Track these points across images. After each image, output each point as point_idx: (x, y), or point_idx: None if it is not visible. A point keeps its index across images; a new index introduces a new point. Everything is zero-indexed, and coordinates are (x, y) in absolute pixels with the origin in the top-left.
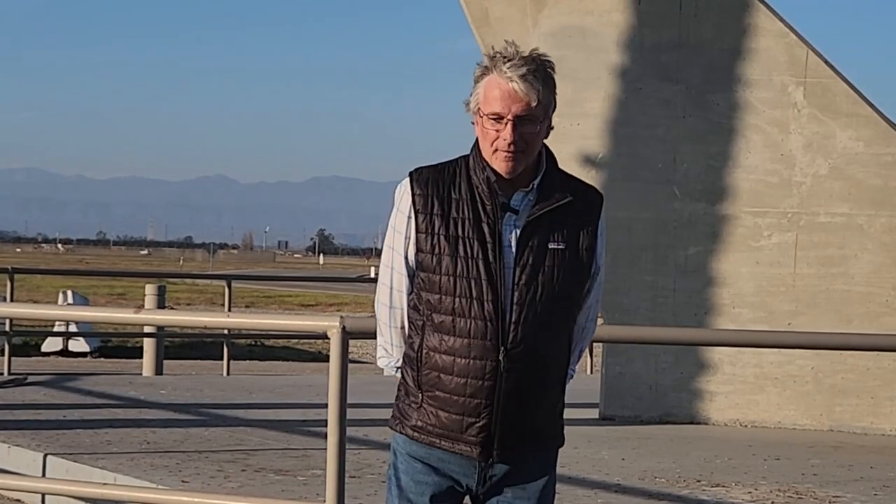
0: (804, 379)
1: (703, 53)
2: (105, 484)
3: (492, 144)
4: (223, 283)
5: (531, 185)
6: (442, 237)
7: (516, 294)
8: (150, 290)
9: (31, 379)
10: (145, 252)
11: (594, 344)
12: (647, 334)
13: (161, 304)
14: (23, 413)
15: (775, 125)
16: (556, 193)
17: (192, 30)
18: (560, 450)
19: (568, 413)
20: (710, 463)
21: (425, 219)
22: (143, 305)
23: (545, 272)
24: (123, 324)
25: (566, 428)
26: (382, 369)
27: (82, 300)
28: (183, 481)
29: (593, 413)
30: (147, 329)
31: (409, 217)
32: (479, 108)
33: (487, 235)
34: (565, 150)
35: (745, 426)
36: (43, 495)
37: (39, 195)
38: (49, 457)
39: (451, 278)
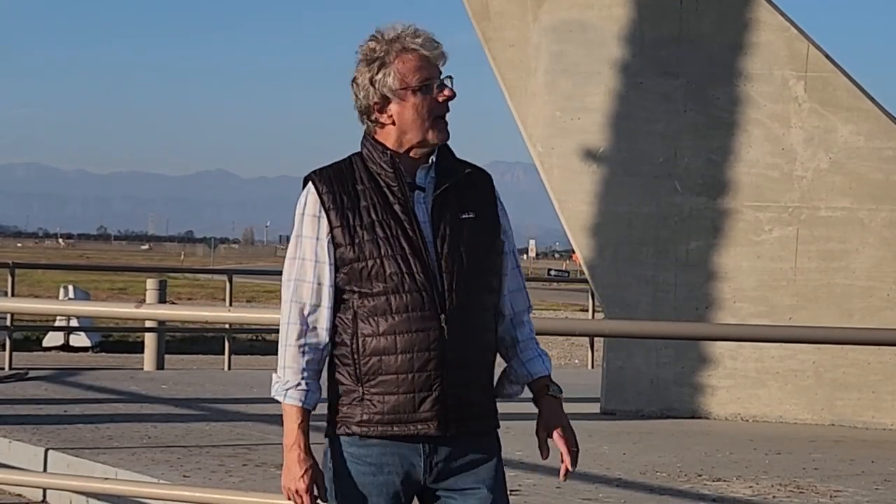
0: (805, 373)
1: (704, 48)
2: (106, 479)
3: (429, 114)
4: (224, 277)
5: (430, 161)
6: (358, 226)
7: (444, 264)
8: (151, 284)
9: (32, 374)
10: (146, 247)
11: (595, 338)
12: (648, 329)
13: (162, 299)
14: (24, 408)
15: (776, 119)
16: (455, 167)
17: (192, 25)
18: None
19: (569, 407)
20: (711, 457)
21: (337, 213)
22: (144, 300)
23: (464, 241)
24: (125, 318)
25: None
26: None
27: (83, 295)
28: (184, 476)
29: (594, 407)
30: (148, 324)
31: (319, 217)
32: (397, 87)
33: (401, 213)
34: (566, 145)
35: (747, 421)
36: (44, 490)
37: (40, 190)
38: (50, 451)
39: (378, 260)
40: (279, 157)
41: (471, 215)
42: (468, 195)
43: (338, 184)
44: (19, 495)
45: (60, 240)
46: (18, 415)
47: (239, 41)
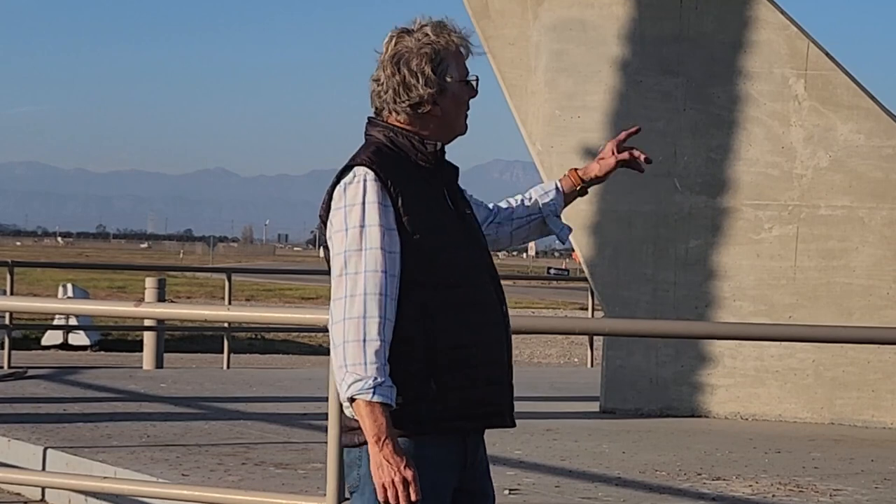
0: (805, 372)
1: (704, 46)
2: (105, 477)
3: (466, 107)
4: (223, 276)
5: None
6: (424, 215)
7: (485, 254)
8: (150, 283)
9: (31, 372)
10: (145, 245)
11: (595, 337)
12: (648, 327)
13: (161, 298)
14: (23, 406)
15: (776, 118)
16: (451, 165)
17: (191, 24)
18: (561, 443)
19: (569, 406)
20: (711, 456)
21: (404, 201)
22: (143, 299)
23: (481, 235)
24: (124, 317)
25: (567, 421)
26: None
27: (82, 293)
28: (183, 475)
29: (594, 406)
30: (147, 322)
31: (382, 204)
32: (457, 79)
33: (451, 205)
34: (566, 143)
35: (746, 419)
36: (43, 489)
37: (39, 189)
38: (49, 450)
39: (449, 251)
40: (278, 155)
41: (470, 210)
42: (460, 191)
43: (396, 171)
44: (18, 494)
45: (59, 238)
46: (17, 413)
47: (238, 40)
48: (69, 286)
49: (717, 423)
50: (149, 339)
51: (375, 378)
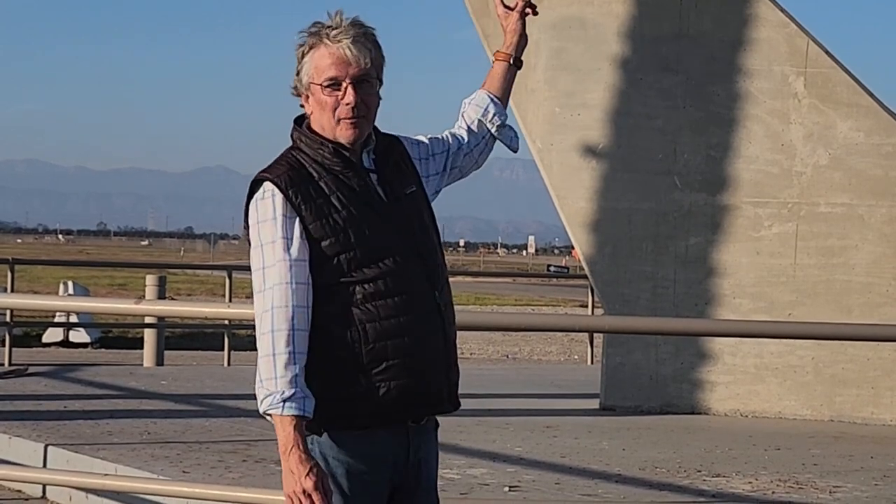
0: (804, 369)
1: (704, 44)
2: (106, 475)
3: (334, 114)
4: (224, 273)
5: (371, 143)
6: (333, 217)
7: (419, 240)
8: (150, 280)
9: (31, 370)
10: (146, 243)
11: (595, 334)
12: (648, 325)
13: (162, 295)
14: (24, 404)
15: (776, 115)
16: (387, 145)
17: (191, 22)
18: (561, 440)
19: (569, 403)
20: (711, 453)
21: (309, 208)
22: (143, 296)
23: (418, 215)
24: (124, 314)
25: (567, 418)
26: None
27: (83, 291)
28: (184, 472)
29: (594, 403)
30: (148, 320)
31: (286, 217)
32: (311, 82)
33: (368, 198)
34: (566, 141)
35: (746, 416)
36: (44, 486)
37: (40, 186)
38: (50, 447)
39: (365, 244)
40: (278, 153)
41: (412, 189)
42: (400, 169)
43: (296, 179)
44: (19, 491)
45: (60, 236)
46: (18, 411)
47: (237, 38)
48: (70, 283)
49: (717, 420)
50: (149, 336)
51: (283, 392)
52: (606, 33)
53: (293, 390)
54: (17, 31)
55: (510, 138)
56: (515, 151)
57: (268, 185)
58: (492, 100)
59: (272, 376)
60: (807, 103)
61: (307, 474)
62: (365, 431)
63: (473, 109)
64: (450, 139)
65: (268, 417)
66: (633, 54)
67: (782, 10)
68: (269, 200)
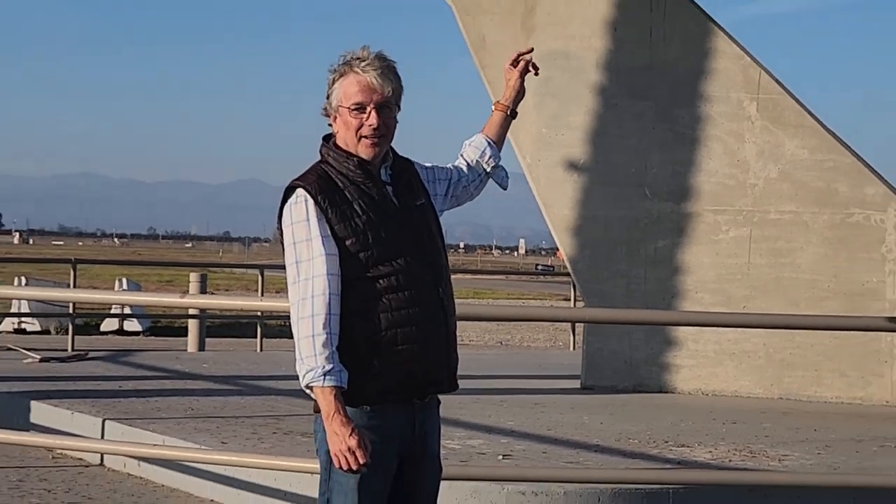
0: (757, 354)
1: (670, 74)
2: (155, 445)
3: (356, 133)
4: (257, 272)
5: (389, 159)
6: (355, 221)
7: (427, 244)
8: (193, 277)
9: (91, 354)
10: (189, 245)
11: (576, 324)
12: (622, 316)
13: (203, 290)
14: (84, 384)
15: (732, 135)
16: (402, 164)
17: (231, 48)
18: (547, 415)
19: (553, 384)
20: (676, 426)
21: (335, 212)
22: (187, 291)
23: (427, 224)
24: (171, 307)
25: (552, 396)
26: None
27: (135, 286)
28: (222, 442)
29: (575, 384)
30: (191, 311)
31: (318, 218)
32: (339, 105)
33: (385, 206)
34: (551, 157)
35: (707, 395)
36: (102, 455)
37: (97, 196)
38: (107, 421)
39: (382, 244)
40: (306, 166)
41: (421, 202)
42: (413, 185)
43: (324, 186)
44: (81, 459)
45: (115, 239)
46: (79, 390)
47: (273, 62)
48: (124, 280)
49: (682, 398)
50: (192, 325)
51: (324, 367)
52: (586, 65)
53: (331, 365)
54: (73, 55)
55: (501, 178)
56: (505, 189)
57: (300, 191)
58: (489, 143)
59: (312, 354)
60: (759, 125)
61: (350, 434)
62: (376, 407)
63: (472, 150)
64: (452, 171)
65: (308, 391)
66: (609, 83)
67: (737, 44)
68: (302, 204)
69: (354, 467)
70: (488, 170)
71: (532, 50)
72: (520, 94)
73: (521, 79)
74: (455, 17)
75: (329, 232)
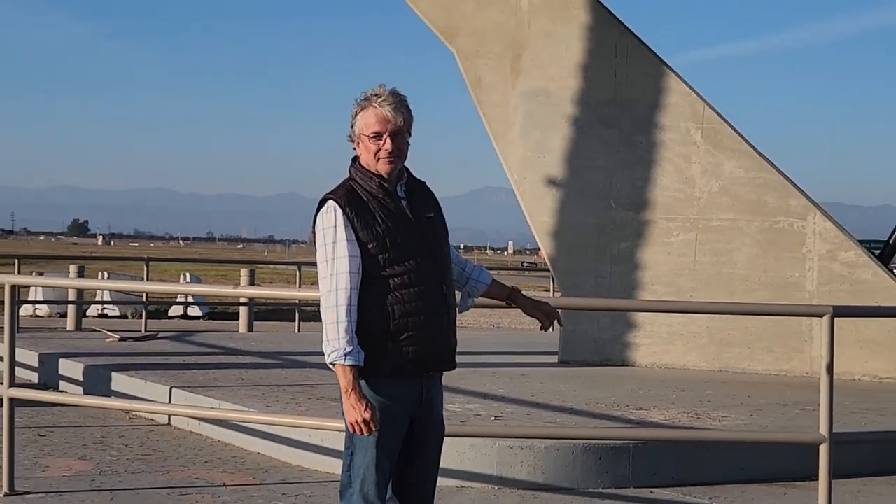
0: (701, 335)
1: (631, 107)
2: (212, 408)
3: (375, 155)
4: (295, 268)
5: (404, 178)
6: (376, 225)
7: (434, 250)
8: (244, 272)
9: (160, 335)
10: (241, 246)
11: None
12: (592, 304)
13: (251, 283)
14: (155, 358)
15: (681, 157)
16: (416, 184)
17: (266, 76)
18: (531, 384)
19: (536, 358)
20: (636, 393)
21: (359, 220)
22: (239, 283)
23: (436, 233)
24: (225, 296)
25: (535, 369)
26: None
27: (196, 279)
28: (267, 406)
29: (554, 359)
30: (242, 300)
31: (345, 226)
32: (361, 133)
33: (401, 217)
34: (535, 175)
35: (660, 368)
36: (169, 416)
37: (166, 206)
38: (173, 389)
39: (397, 248)
40: (336, 182)
41: (431, 214)
42: (425, 201)
43: (350, 200)
44: (152, 420)
45: (180, 241)
46: (151, 363)
47: (311, 102)
48: (187, 274)
49: (640, 370)
50: (243, 311)
51: (345, 349)
52: (563, 100)
53: (351, 347)
54: (149, 88)
55: (465, 306)
56: (461, 312)
57: (331, 202)
58: (488, 284)
59: (337, 337)
60: (703, 149)
61: (365, 408)
62: (390, 380)
63: (464, 275)
64: (454, 249)
65: (331, 367)
66: (581, 115)
67: (686, 83)
68: (332, 213)
69: (367, 434)
70: (465, 290)
71: (558, 314)
72: (531, 310)
73: (531, 315)
74: (456, 61)
75: (353, 237)
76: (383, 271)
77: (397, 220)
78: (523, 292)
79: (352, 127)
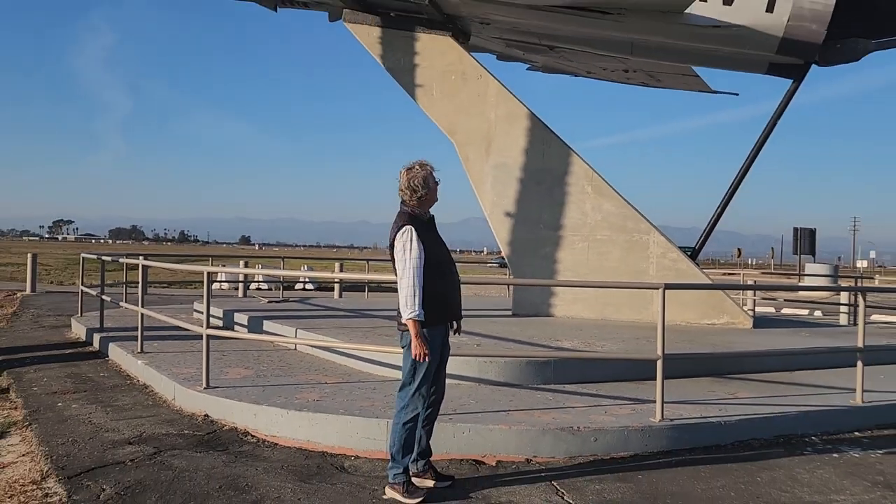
0: (592, 300)
1: (551, 170)
2: (320, 340)
3: (432, 200)
4: (365, 262)
5: (430, 215)
6: (428, 242)
7: (448, 252)
8: (336, 265)
9: (290, 299)
10: (335, 250)
11: (510, 286)
12: (532, 282)
13: (342, 270)
14: (288, 312)
15: (580, 200)
16: (433, 217)
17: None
18: (496, 326)
19: (500, 312)
20: (555, 331)
21: (420, 236)
22: (335, 270)
23: (446, 244)
24: (326, 278)
25: (499, 318)
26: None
27: (310, 269)
28: (349, 339)
29: (509, 312)
30: (335, 280)
31: (416, 239)
32: (431, 185)
33: (434, 235)
34: (499, 211)
35: (569, 318)
36: (296, 345)
37: (293, 226)
38: (298, 329)
39: (438, 255)
40: (357, 205)
41: (442, 237)
42: (436, 229)
43: (417, 226)
44: (286, 347)
45: (301, 247)
46: (285, 315)
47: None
48: (304, 266)
49: (558, 319)
50: (336, 287)
51: (415, 310)
52: (515, 169)
53: (419, 310)
54: (275, 147)
55: None
56: None
57: (407, 226)
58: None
59: (412, 304)
60: (592, 196)
61: (423, 345)
62: (435, 326)
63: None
64: None
65: (406, 322)
66: (525, 177)
67: (584, 160)
68: (409, 232)
69: (423, 360)
70: None
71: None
72: None
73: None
74: (455, 147)
75: (420, 246)
76: (431, 268)
77: (434, 238)
78: (494, 277)
79: (409, 182)
